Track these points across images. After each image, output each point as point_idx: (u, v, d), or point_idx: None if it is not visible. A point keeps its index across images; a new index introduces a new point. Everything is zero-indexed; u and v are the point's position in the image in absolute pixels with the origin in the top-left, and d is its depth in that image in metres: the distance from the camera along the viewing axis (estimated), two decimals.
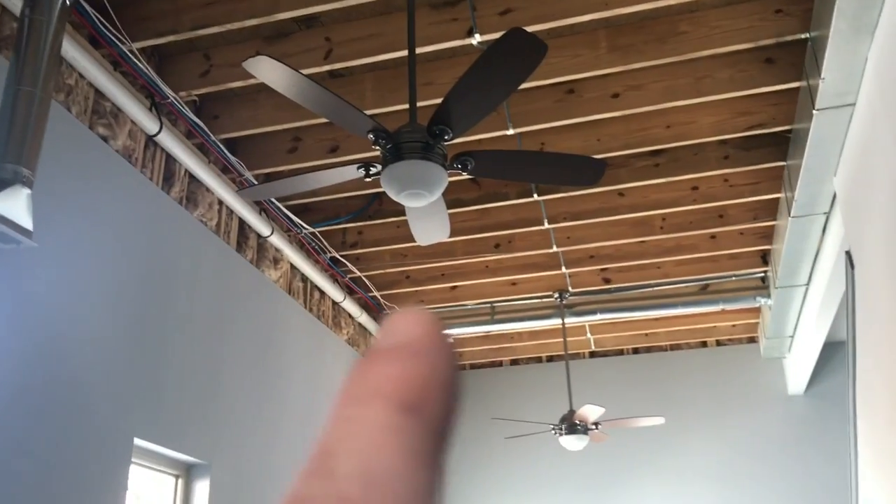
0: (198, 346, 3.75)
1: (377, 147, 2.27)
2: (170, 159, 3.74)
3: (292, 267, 4.88)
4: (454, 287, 6.08)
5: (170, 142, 3.62)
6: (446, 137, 2.22)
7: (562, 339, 6.71)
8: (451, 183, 4.62)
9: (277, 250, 4.66)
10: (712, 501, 6.57)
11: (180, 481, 3.66)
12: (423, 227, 2.81)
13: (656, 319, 6.56)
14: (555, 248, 5.24)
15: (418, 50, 3.37)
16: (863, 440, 4.12)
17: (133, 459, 3.24)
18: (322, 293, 5.31)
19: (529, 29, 2.20)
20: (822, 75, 3.24)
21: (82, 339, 2.99)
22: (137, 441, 3.23)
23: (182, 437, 3.53)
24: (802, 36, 3.39)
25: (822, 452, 6.44)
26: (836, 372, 6.60)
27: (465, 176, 2.49)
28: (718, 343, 7.07)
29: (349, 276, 5.56)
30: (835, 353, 6.51)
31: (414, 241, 5.08)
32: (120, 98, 3.30)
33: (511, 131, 3.95)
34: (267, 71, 2.10)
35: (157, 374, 3.40)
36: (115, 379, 3.15)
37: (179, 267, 3.70)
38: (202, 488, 3.70)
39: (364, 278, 5.65)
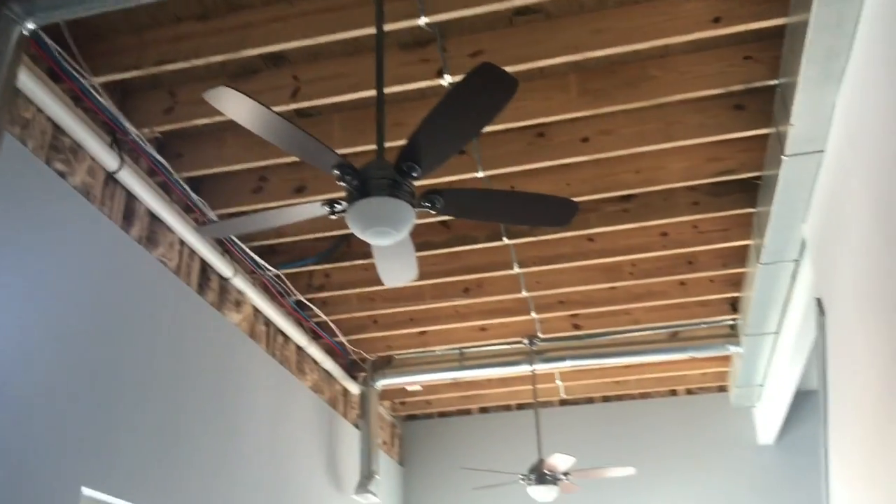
0: (155, 391, 3.60)
1: (343, 183, 2.19)
2: (130, 197, 3.63)
3: (255, 310, 4.76)
4: (423, 332, 5.97)
5: (130, 179, 3.52)
6: (414, 174, 2.15)
7: (531, 387, 6.62)
8: (419, 225, 4.58)
9: (240, 292, 4.54)
10: None
11: None
12: (389, 268, 2.72)
13: (626, 367, 6.50)
14: (524, 293, 5.17)
15: (387, 90, 3.34)
16: (835, 493, 4.05)
17: None
18: (286, 337, 5.18)
19: None
20: (792, 121, 3.25)
21: (29, 384, 2.84)
22: (86, 490, 3.06)
23: (136, 486, 3.36)
24: (771, 82, 3.40)
25: (783, 502, 6.37)
26: (807, 422, 6.57)
27: (434, 216, 2.42)
28: (688, 391, 7.01)
29: (314, 319, 5.43)
30: (805, 403, 6.48)
31: (382, 285, 4.99)
32: (79, 133, 3.20)
33: (481, 174, 3.91)
34: (229, 102, 2.03)
35: (110, 421, 3.25)
36: (64, 425, 2.99)
37: (138, 308, 3.56)
38: None
39: (330, 322, 5.53)
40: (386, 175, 2.16)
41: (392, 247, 2.57)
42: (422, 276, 4.96)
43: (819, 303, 4.00)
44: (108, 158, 3.37)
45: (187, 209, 4.03)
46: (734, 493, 6.52)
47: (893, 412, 2.98)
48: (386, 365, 6.16)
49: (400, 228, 2.17)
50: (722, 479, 6.59)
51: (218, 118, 3.51)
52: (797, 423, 6.53)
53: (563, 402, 7.19)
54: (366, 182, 2.16)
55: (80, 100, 3.27)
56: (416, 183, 2.25)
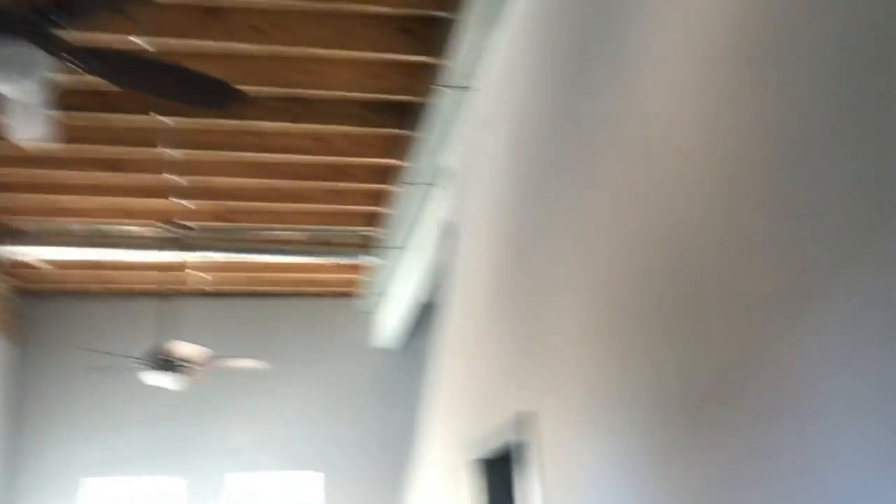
0: None
1: None
2: None
3: None
4: (54, 202, 5.48)
5: None
6: (58, 21, 1.96)
7: (165, 273, 6.46)
8: (68, 85, 4.14)
9: None
10: (300, 440, 6.85)
11: None
12: (17, 122, 2.47)
13: (266, 265, 6.60)
14: (173, 176, 4.98)
15: None
16: (430, 393, 4.59)
17: None
18: None
19: None
20: (451, 55, 3.51)
21: None
22: None
23: None
24: (442, 14, 3.61)
25: (399, 401, 7.08)
26: (421, 331, 7.29)
27: (82, 75, 2.24)
28: (320, 294, 7.34)
29: None
30: (425, 314, 7.16)
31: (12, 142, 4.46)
32: None
33: (146, 45, 3.65)
34: None
35: None
36: None
37: None
38: None
39: None
40: (24, 17, 1.94)
41: (24, 99, 2.33)
42: (60, 140, 4.53)
43: (449, 225, 4.42)
44: None
45: None
46: (355, 390, 7.07)
47: (488, 328, 3.44)
48: (6, 233, 5.57)
49: (30, 76, 1.97)
50: (345, 377, 7.08)
51: None
52: (415, 331, 7.21)
53: (204, 294, 7.11)
54: None
55: None
56: (69, 38, 2.06)
